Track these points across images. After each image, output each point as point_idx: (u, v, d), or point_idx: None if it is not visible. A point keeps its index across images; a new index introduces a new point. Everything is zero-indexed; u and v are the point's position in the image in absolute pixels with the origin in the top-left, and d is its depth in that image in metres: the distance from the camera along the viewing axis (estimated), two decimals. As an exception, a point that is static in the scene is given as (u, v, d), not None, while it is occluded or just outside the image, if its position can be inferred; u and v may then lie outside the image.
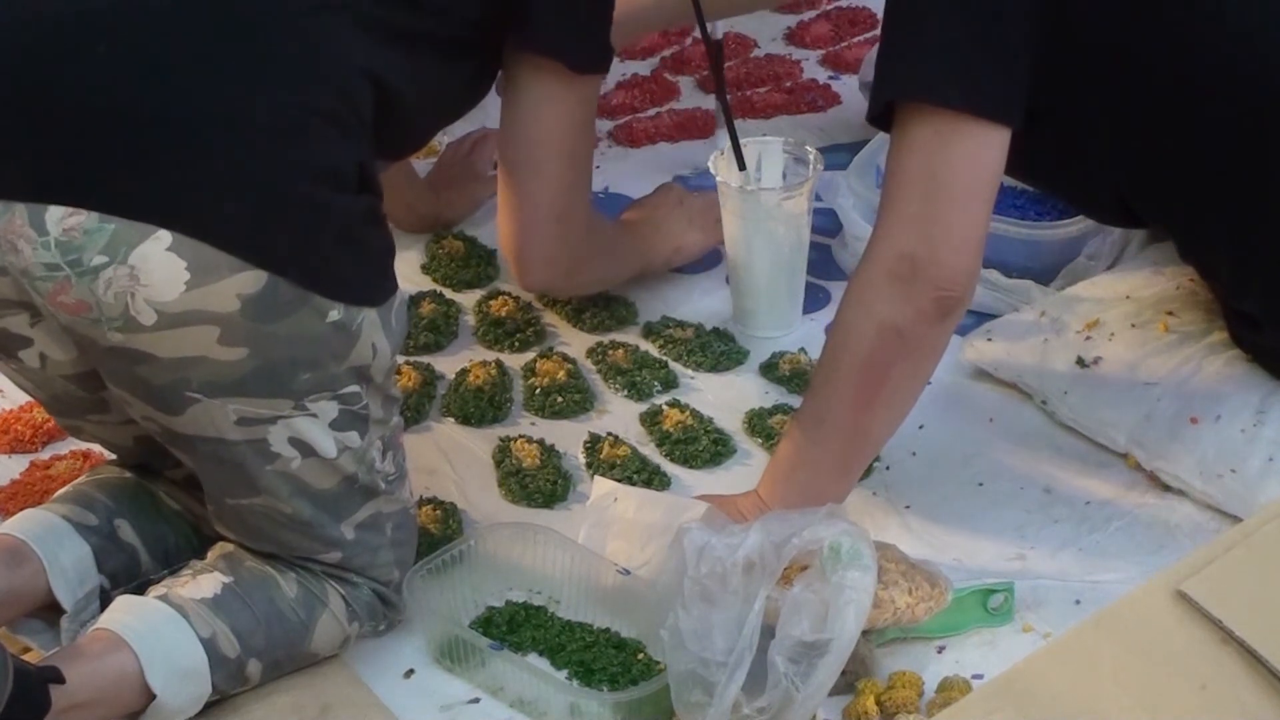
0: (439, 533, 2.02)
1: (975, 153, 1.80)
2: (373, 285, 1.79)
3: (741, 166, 2.29)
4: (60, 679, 1.68)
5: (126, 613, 1.78)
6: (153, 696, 1.76)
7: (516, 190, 2.15)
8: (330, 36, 1.78)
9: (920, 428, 2.14)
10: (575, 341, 2.37)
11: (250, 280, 1.68)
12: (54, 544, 1.86)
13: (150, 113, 1.69)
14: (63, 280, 1.67)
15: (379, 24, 1.82)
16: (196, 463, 1.81)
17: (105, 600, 1.87)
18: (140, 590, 1.86)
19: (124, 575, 1.90)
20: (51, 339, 1.78)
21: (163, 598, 1.80)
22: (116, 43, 1.71)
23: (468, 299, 2.47)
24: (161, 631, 1.77)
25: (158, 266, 1.66)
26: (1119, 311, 2.17)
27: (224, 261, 1.67)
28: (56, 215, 1.66)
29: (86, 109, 1.69)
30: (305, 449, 1.77)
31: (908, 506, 2.06)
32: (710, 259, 2.50)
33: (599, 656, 1.85)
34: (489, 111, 2.22)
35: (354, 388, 1.78)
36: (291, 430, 1.76)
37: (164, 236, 1.66)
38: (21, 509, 1.95)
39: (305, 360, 1.73)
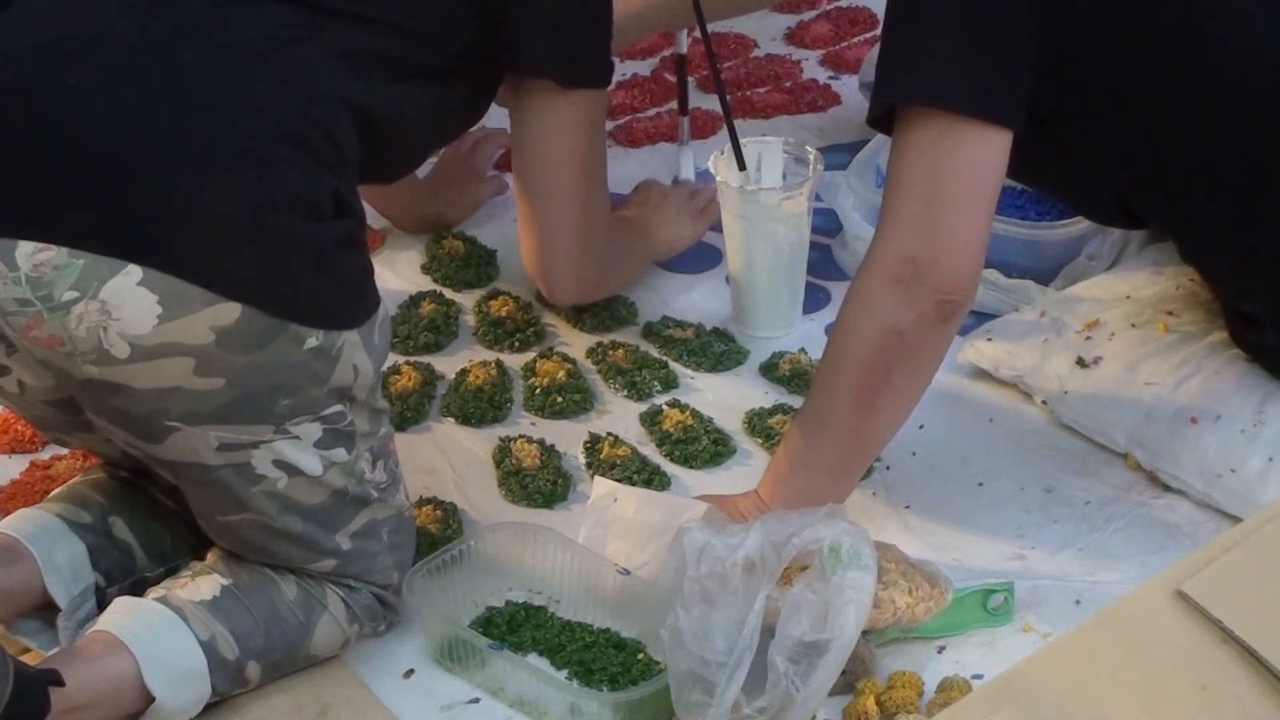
0: (439, 533, 2.02)
1: (977, 155, 1.80)
2: (351, 308, 1.78)
3: (741, 166, 2.29)
4: (60, 681, 1.68)
5: (125, 615, 1.78)
6: (152, 699, 1.76)
7: (537, 213, 2.16)
8: (305, 67, 1.77)
9: (920, 428, 2.14)
10: (575, 341, 2.37)
11: (224, 312, 1.67)
12: (48, 542, 1.86)
13: (118, 147, 1.68)
14: (35, 315, 1.67)
15: (362, 53, 1.82)
16: (182, 484, 1.81)
17: (101, 598, 1.87)
18: (137, 589, 1.86)
19: (119, 573, 1.90)
20: (28, 369, 1.77)
21: (161, 600, 1.80)
22: (87, 76, 1.71)
23: (468, 299, 2.46)
24: (160, 634, 1.77)
25: (129, 301, 1.65)
26: (1119, 311, 2.17)
27: (196, 294, 1.66)
28: (27, 250, 1.66)
29: (55, 143, 1.69)
30: (291, 469, 1.77)
31: (908, 506, 2.06)
32: (710, 259, 2.50)
33: (599, 656, 1.85)
34: (489, 112, 2.22)
35: (337, 408, 1.78)
36: (274, 453, 1.75)
37: (134, 271, 1.65)
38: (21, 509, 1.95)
39: (285, 386, 1.73)
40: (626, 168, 2.71)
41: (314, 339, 1.73)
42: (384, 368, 2.28)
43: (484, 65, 2.03)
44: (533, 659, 1.87)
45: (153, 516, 1.94)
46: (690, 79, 2.97)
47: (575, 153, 2.13)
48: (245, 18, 1.77)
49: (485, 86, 2.08)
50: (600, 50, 2.11)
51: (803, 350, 2.31)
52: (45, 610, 1.87)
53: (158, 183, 1.68)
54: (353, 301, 1.79)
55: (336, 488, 1.80)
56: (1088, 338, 2.15)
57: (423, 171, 2.62)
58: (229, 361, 1.69)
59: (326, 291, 1.74)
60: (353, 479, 1.81)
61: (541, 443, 2.17)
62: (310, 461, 1.77)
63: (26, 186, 1.68)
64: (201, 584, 1.82)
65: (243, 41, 1.76)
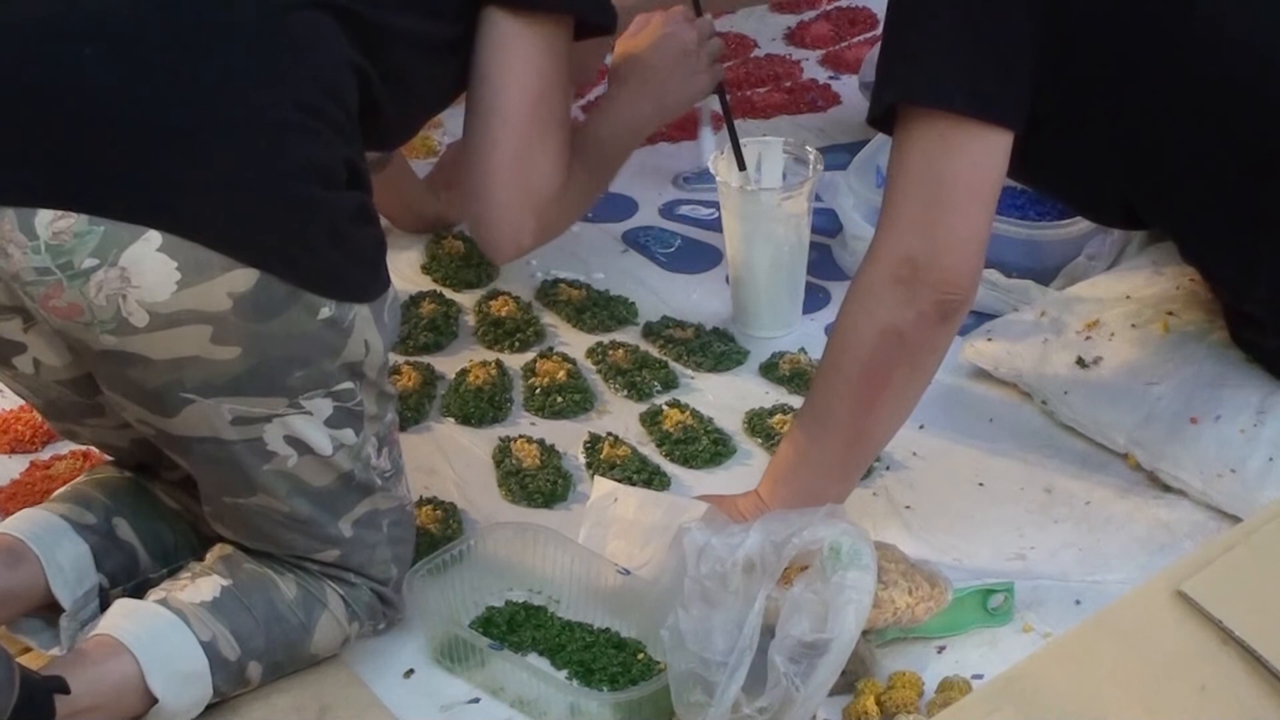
0: (439, 533, 2.02)
1: (977, 156, 1.80)
2: (364, 281, 1.78)
3: (741, 166, 2.29)
4: (65, 689, 1.68)
5: (126, 618, 1.78)
6: (154, 701, 1.76)
7: (479, 135, 2.02)
8: (316, 32, 1.77)
9: (920, 428, 2.14)
10: (575, 341, 2.37)
11: (241, 279, 1.68)
12: (52, 543, 1.86)
13: (137, 114, 1.68)
14: (54, 284, 1.67)
15: (362, 19, 1.81)
16: (193, 464, 1.81)
17: (104, 599, 1.87)
18: (139, 590, 1.86)
19: (122, 574, 1.90)
20: (45, 343, 1.78)
21: (162, 601, 1.80)
22: (103, 45, 1.70)
23: (468, 299, 2.47)
24: (162, 636, 1.77)
25: (149, 268, 1.66)
26: (1119, 311, 2.17)
27: (215, 260, 1.67)
28: (46, 219, 1.66)
29: (73, 112, 1.68)
30: (301, 447, 1.77)
31: (908, 506, 2.06)
32: (710, 259, 2.50)
33: (599, 656, 1.85)
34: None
35: (348, 384, 1.78)
36: (287, 428, 1.76)
37: (154, 237, 1.65)
38: (21, 509, 1.95)
39: (298, 358, 1.73)
40: (626, 167, 2.70)
41: (327, 309, 1.73)
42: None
43: (472, 28, 1.99)
44: (533, 659, 1.87)
45: (156, 517, 1.94)
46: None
47: (535, 71, 1.99)
48: None
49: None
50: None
51: (803, 350, 2.31)
52: (47, 610, 1.87)
53: (174, 149, 1.68)
54: (365, 275, 1.79)
55: (343, 470, 1.81)
56: (1088, 338, 2.15)
57: (423, 170, 2.62)
58: (245, 329, 1.69)
59: (340, 262, 1.75)
60: (359, 463, 1.82)
61: (541, 443, 2.17)
62: (320, 439, 1.78)
63: (44, 155, 1.68)
64: (202, 585, 1.82)
65: (251, 9, 1.75)
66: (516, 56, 1.99)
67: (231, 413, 1.73)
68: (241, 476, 1.78)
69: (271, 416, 1.75)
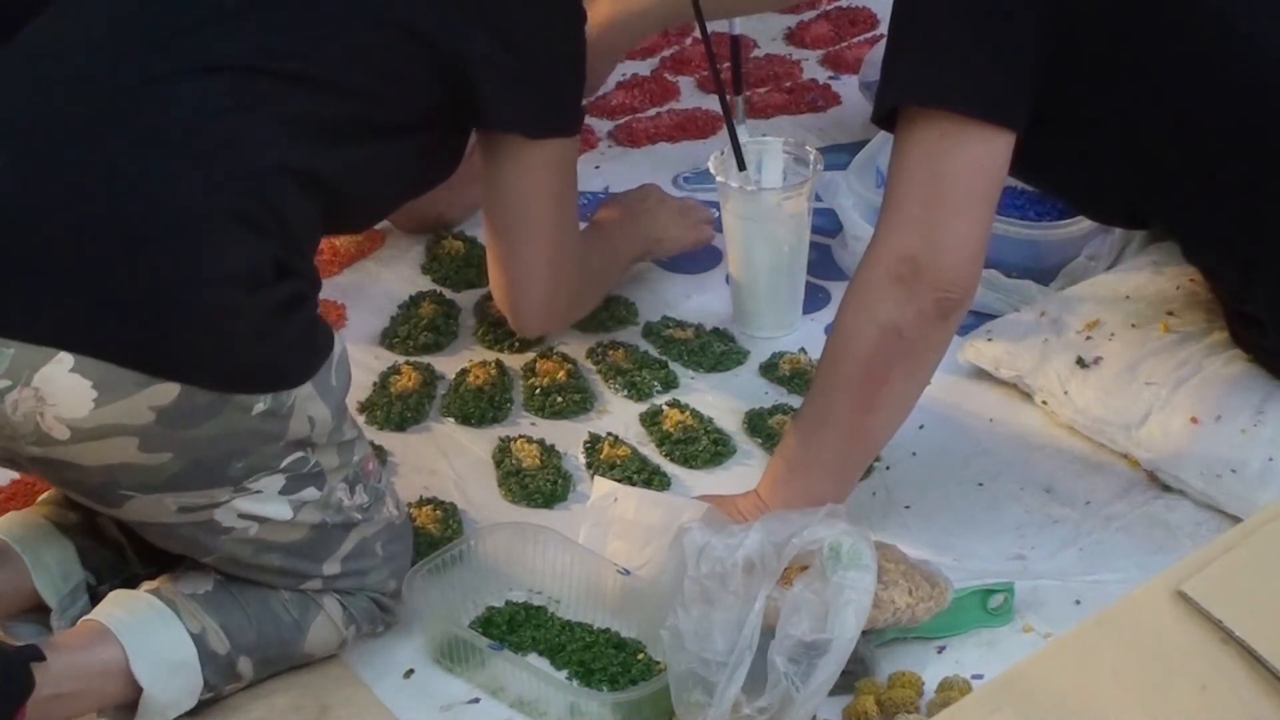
0: (439, 533, 2.02)
1: (979, 156, 1.80)
2: (299, 366, 1.75)
3: (741, 166, 2.29)
4: (40, 656, 1.67)
5: (116, 606, 1.78)
6: (140, 689, 1.75)
7: (507, 254, 2.12)
8: (239, 138, 1.74)
9: (920, 428, 2.14)
10: (575, 341, 2.37)
11: (162, 392, 1.66)
12: (35, 543, 1.87)
13: (46, 232, 1.67)
14: None
15: (307, 117, 1.79)
16: (151, 539, 1.81)
17: (95, 596, 1.87)
18: (130, 585, 1.86)
19: (109, 571, 1.90)
20: None
21: (154, 592, 1.80)
22: (16, 156, 1.70)
23: (468, 299, 2.46)
24: (149, 624, 1.77)
25: (62, 387, 1.64)
26: (1119, 311, 2.17)
27: (130, 377, 1.65)
28: None
29: None
30: (259, 519, 1.76)
31: (908, 506, 2.05)
32: (710, 259, 2.50)
33: (599, 656, 1.85)
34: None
35: (297, 455, 1.76)
36: (238, 509, 1.75)
37: (65, 358, 1.64)
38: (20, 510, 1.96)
39: (236, 451, 1.72)
40: (626, 168, 2.71)
41: (262, 404, 1.71)
42: (384, 369, 2.30)
43: (451, 118, 1.99)
44: (533, 659, 1.87)
45: None
46: (689, 79, 2.98)
47: (546, 196, 2.07)
48: (181, 92, 1.74)
49: (455, 132, 2.04)
50: (568, 100, 2.06)
51: (803, 350, 2.31)
52: (41, 613, 1.87)
53: (86, 267, 1.67)
54: (299, 360, 1.76)
55: (314, 523, 1.80)
56: (1088, 338, 2.15)
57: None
58: (173, 437, 1.68)
59: (269, 358, 1.73)
60: (330, 510, 1.81)
61: (541, 443, 2.17)
62: (277, 509, 1.77)
63: None
64: (195, 578, 1.82)
65: (176, 117, 1.73)
66: (541, 184, 2.06)
67: (176, 504, 1.73)
68: (201, 548, 1.78)
69: (218, 503, 1.74)
